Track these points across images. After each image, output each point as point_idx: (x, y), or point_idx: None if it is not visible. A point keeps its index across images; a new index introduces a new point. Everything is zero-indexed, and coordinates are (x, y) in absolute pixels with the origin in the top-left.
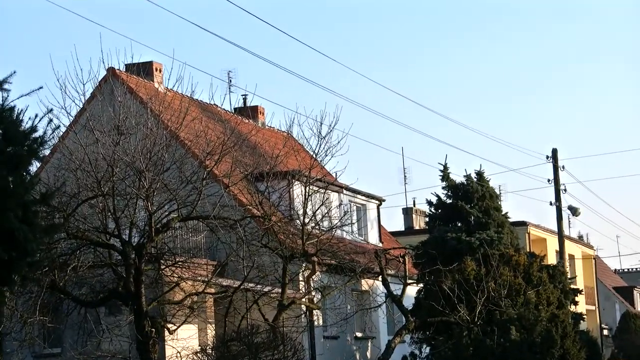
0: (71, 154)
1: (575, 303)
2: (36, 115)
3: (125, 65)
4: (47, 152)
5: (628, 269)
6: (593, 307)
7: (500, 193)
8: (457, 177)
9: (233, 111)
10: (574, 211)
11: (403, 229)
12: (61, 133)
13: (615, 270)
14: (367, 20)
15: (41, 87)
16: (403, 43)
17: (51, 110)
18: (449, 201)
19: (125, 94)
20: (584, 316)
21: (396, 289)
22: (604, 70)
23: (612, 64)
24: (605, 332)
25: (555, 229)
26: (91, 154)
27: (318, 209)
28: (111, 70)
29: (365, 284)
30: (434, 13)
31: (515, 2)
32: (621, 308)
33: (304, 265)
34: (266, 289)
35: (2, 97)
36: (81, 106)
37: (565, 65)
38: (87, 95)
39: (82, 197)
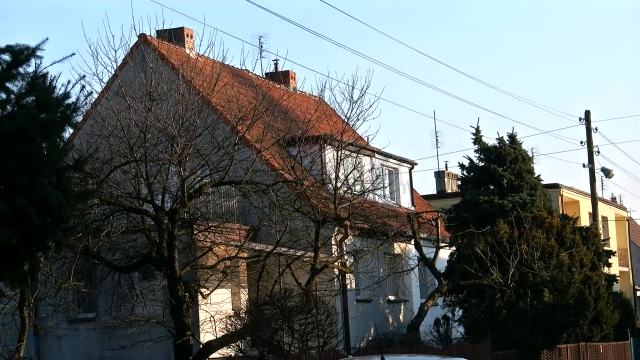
0: (103, 121)
1: (609, 265)
2: (69, 82)
3: (157, 31)
4: (79, 118)
5: None
6: (626, 269)
7: (532, 156)
8: (490, 140)
9: (264, 76)
10: (606, 173)
11: (435, 192)
12: (93, 100)
13: None
14: None
15: (73, 54)
16: (435, 6)
17: (84, 76)
18: (481, 164)
19: (156, 60)
20: (617, 278)
21: (429, 252)
22: (637, 30)
23: None
24: (639, 293)
25: (588, 191)
26: (123, 120)
27: (350, 173)
28: (142, 37)
29: (398, 247)
30: None
31: None
32: None
33: (336, 229)
34: (299, 253)
35: (36, 64)
36: (113, 73)
37: (598, 27)
38: (119, 61)
39: (114, 163)
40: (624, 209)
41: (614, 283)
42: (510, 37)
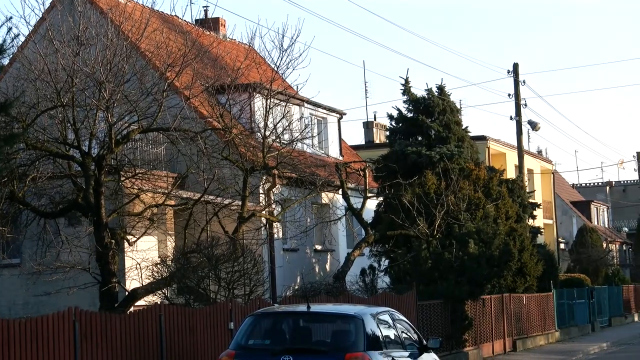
0: (30, 64)
1: (534, 217)
2: None
3: None
4: (5, 61)
5: (586, 184)
6: (550, 221)
7: (461, 107)
8: (419, 91)
9: (194, 23)
10: (533, 126)
11: (363, 142)
12: (20, 43)
13: (573, 185)
14: None
15: None
16: None
17: (10, 18)
18: (409, 115)
19: (85, 4)
20: (542, 230)
21: (356, 202)
22: None
23: None
24: (562, 245)
25: (515, 143)
26: (50, 64)
27: (279, 122)
28: None
29: (326, 197)
30: None
31: None
32: (578, 222)
33: (264, 178)
34: (226, 202)
35: None
36: (40, 16)
37: None
38: (47, 4)
39: (41, 108)
40: (550, 162)
41: (538, 235)
42: None
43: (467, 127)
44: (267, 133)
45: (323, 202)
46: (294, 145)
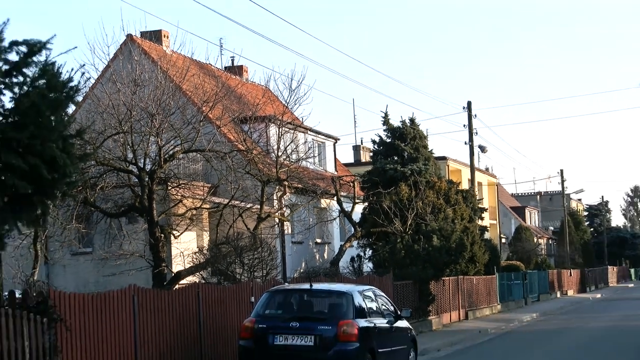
0: (98, 100)
1: (482, 218)
2: (72, 70)
3: (140, 32)
4: (80, 98)
5: (522, 193)
6: (495, 222)
7: (427, 134)
8: (395, 122)
9: (224, 69)
10: (482, 149)
11: (353, 161)
12: (91, 84)
13: (512, 194)
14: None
15: (75, 47)
16: (353, 12)
17: (83, 65)
18: (388, 140)
19: (140, 55)
20: (488, 228)
21: (347, 206)
22: (509, 40)
23: (516, 31)
24: (503, 240)
25: (468, 162)
26: (114, 100)
27: (288, 145)
28: (129, 37)
29: (324, 202)
30: None
31: None
32: (515, 222)
33: (277, 187)
34: (248, 206)
35: (46, 54)
36: (106, 64)
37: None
38: (111, 55)
39: (107, 134)
40: (494, 176)
41: (485, 232)
42: (425, 46)
43: (432, 149)
44: (279, 154)
45: (322, 206)
46: (299, 163)
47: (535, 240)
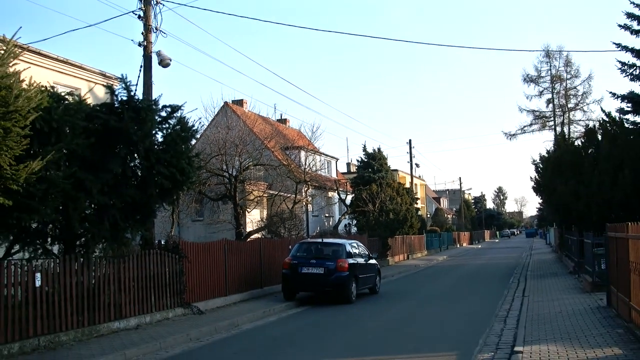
0: (207, 137)
1: (417, 203)
2: (194, 121)
3: (232, 100)
4: (198, 136)
5: (439, 190)
6: (423, 205)
7: (387, 157)
8: (370, 149)
9: (276, 120)
10: (417, 166)
11: (347, 171)
12: (204, 128)
13: (433, 190)
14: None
15: (196, 109)
16: (378, 79)
17: (200, 119)
18: (366, 160)
19: (232, 114)
20: (419, 209)
21: (343, 196)
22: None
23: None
24: (428, 216)
25: (409, 172)
26: (216, 137)
27: (311, 162)
28: (225, 103)
29: (330, 194)
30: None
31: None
32: (435, 206)
33: (304, 185)
34: (288, 195)
35: (180, 111)
36: (212, 117)
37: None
38: (216, 112)
39: (212, 155)
40: (424, 180)
41: (418, 211)
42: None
43: (390, 165)
44: (305, 167)
45: (329, 195)
46: (316, 171)
47: (445, 215)
